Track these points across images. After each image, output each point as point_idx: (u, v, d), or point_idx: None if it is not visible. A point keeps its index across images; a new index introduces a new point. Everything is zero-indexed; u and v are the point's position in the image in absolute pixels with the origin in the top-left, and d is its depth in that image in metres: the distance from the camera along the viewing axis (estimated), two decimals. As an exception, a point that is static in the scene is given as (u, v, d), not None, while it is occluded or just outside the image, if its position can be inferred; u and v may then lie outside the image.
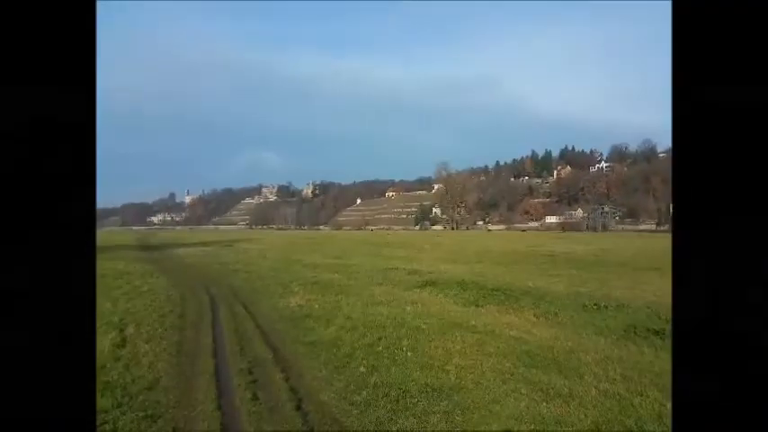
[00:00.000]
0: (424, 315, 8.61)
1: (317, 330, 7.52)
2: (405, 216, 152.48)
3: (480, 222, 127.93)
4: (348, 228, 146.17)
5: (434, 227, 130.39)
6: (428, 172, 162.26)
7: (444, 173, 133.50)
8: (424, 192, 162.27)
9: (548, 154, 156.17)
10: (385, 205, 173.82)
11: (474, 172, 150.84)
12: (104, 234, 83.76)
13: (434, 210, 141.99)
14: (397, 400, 4.67)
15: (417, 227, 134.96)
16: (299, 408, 4.50)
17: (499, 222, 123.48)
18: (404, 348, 6.35)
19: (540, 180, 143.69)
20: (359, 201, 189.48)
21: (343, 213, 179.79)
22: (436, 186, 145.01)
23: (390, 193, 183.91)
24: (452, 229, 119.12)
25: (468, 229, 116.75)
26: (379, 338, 6.86)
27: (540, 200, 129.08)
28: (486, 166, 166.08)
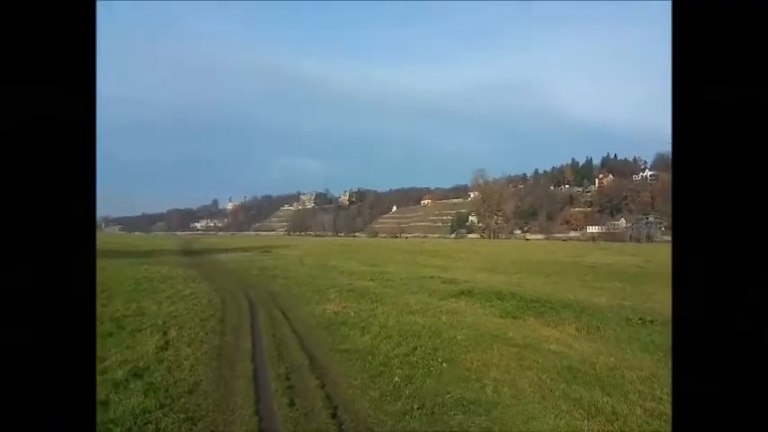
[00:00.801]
0: (459, 326, 8.49)
1: (353, 338, 7.55)
2: (440, 224, 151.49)
3: (518, 231, 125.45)
4: (384, 235, 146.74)
5: (470, 235, 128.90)
6: (464, 179, 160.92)
7: (481, 180, 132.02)
8: (460, 199, 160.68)
9: (588, 162, 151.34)
10: (420, 213, 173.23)
11: (512, 180, 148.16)
12: (150, 239, 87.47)
13: (471, 218, 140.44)
14: (433, 412, 4.61)
15: (453, 235, 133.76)
16: (334, 415, 4.51)
17: (538, 232, 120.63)
18: (439, 359, 6.28)
19: (580, 189, 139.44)
20: (394, 208, 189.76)
21: (379, 221, 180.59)
22: (472, 194, 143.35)
23: (426, 201, 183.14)
24: (489, 237, 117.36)
25: (505, 238, 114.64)
26: (415, 348, 6.81)
27: (581, 209, 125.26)
28: (525, 174, 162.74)
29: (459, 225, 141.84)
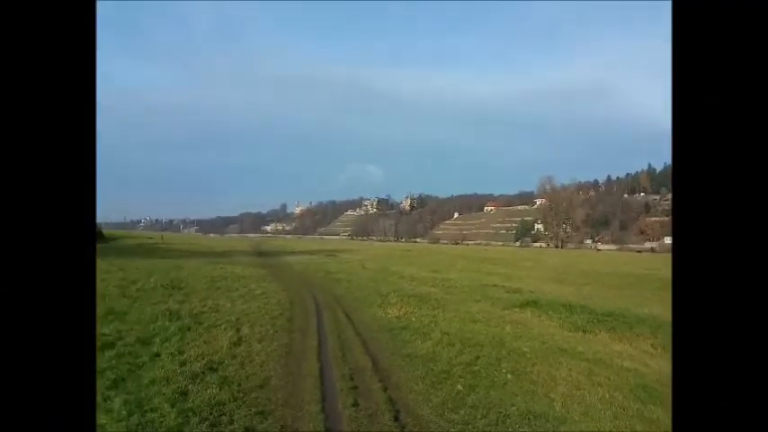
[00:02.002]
0: (525, 337, 8.25)
1: (414, 343, 7.58)
2: (504, 231, 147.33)
3: (588, 241, 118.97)
4: (445, 241, 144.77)
5: (536, 244, 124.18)
6: (530, 186, 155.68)
7: (548, 187, 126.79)
8: (525, 207, 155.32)
9: (666, 168, 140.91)
10: (483, 220, 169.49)
11: (581, 186, 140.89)
12: (224, 240, 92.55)
13: (537, 226, 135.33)
14: (497, 423, 4.53)
15: (517, 243, 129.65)
16: (396, 419, 4.57)
17: (610, 242, 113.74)
18: (503, 370, 6.14)
19: (657, 197, 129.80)
20: (456, 215, 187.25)
21: (440, 227, 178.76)
22: (539, 201, 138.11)
23: (489, 208, 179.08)
24: (557, 247, 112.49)
25: (574, 247, 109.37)
26: (477, 357, 6.71)
27: (658, 218, 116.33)
28: (596, 181, 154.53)
29: (524, 233, 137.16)
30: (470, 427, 4.46)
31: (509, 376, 5.91)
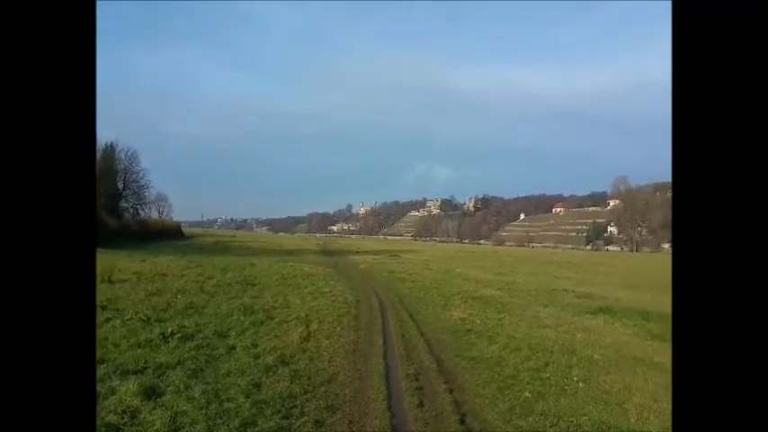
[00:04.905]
0: (597, 345, 7.88)
1: (479, 346, 7.49)
2: (574, 234, 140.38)
3: (666, 245, 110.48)
4: (510, 244, 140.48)
5: (609, 247, 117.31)
6: (603, 186, 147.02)
7: (623, 187, 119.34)
8: (597, 208, 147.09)
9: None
10: (551, 221, 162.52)
11: (659, 186, 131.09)
12: (293, 239, 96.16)
13: (610, 228, 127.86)
14: (567, 433, 4.40)
15: (588, 246, 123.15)
16: (462, 422, 4.56)
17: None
18: (574, 378, 5.92)
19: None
20: (522, 216, 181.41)
21: (506, 228, 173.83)
22: (612, 202, 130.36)
23: (558, 209, 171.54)
24: (632, 250, 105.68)
25: (651, 252, 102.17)
26: (546, 364, 6.51)
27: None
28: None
29: (596, 236, 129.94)
30: (539, 434, 4.36)
31: (580, 384, 5.69)
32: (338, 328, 8.29)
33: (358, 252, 42.56)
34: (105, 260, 13.84)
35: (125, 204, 46.28)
